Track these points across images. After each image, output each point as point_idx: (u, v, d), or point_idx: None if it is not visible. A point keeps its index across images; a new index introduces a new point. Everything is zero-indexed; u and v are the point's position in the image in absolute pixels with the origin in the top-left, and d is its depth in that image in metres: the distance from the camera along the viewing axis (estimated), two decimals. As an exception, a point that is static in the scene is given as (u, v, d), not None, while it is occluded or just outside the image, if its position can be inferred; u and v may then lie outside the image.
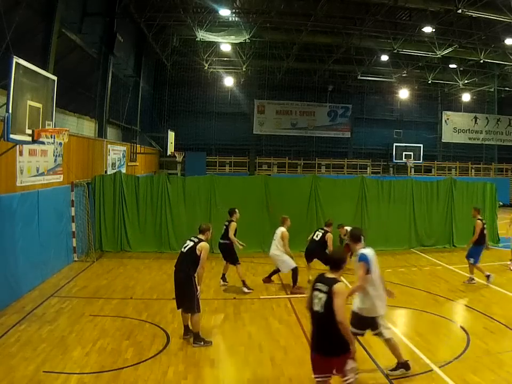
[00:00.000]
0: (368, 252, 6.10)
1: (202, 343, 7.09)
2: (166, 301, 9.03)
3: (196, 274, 7.10)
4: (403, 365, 6.18)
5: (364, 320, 6.06)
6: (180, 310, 7.38)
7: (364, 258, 5.98)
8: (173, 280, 7.39)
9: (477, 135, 34.30)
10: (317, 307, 4.75)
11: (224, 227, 10.51)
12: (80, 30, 14.98)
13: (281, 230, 10.33)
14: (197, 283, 7.09)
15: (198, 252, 7.12)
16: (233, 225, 10.30)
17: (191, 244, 7.27)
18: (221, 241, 10.54)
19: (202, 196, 14.35)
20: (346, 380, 4.78)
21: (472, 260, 10.94)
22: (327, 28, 20.69)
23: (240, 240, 10.37)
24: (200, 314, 7.27)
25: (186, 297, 7.08)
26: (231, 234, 10.21)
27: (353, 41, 21.49)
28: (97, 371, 6.13)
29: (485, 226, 11.18)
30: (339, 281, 4.83)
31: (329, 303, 4.68)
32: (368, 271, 5.98)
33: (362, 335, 6.25)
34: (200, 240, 7.30)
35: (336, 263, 4.97)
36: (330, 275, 4.89)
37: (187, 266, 7.13)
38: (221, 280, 10.71)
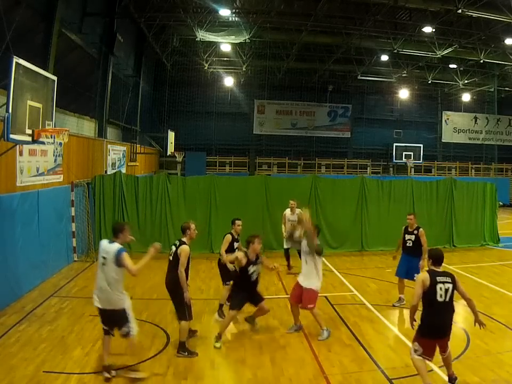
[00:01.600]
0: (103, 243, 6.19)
1: (186, 353, 6.72)
2: (166, 301, 8.98)
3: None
4: (107, 368, 6.04)
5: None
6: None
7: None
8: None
9: (477, 135, 34.33)
10: (442, 298, 5.56)
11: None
12: (80, 30, 14.99)
13: (299, 211, 11.20)
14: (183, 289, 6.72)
15: (179, 256, 6.84)
16: (227, 238, 8.62)
17: (174, 249, 6.97)
18: None
19: (202, 196, 14.34)
20: (448, 352, 5.78)
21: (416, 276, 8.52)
22: (327, 28, 20.67)
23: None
24: (189, 323, 6.97)
25: (176, 305, 6.87)
26: (221, 249, 8.54)
27: (353, 41, 21.47)
28: (97, 371, 6.12)
29: None
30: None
31: (453, 291, 5.60)
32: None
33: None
34: (181, 243, 6.98)
35: (442, 259, 5.79)
36: (439, 269, 5.72)
37: (176, 274, 6.82)
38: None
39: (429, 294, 5.57)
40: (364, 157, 33.47)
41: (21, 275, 9.25)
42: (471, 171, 34.20)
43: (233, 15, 19.40)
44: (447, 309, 5.62)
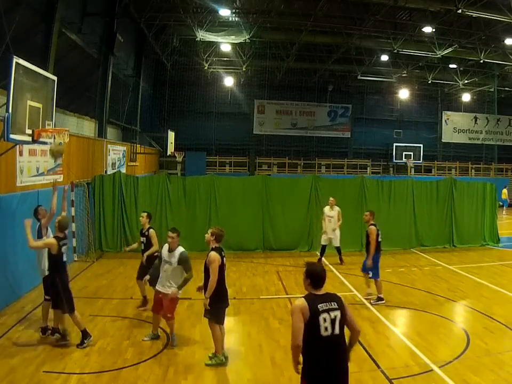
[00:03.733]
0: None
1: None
2: (166, 301, 9.00)
3: None
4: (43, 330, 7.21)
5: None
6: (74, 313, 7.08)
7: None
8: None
9: (477, 135, 34.34)
10: (328, 331, 4.16)
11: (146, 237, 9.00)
12: (80, 30, 14.99)
13: (337, 209, 12.78)
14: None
15: None
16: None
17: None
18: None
19: (202, 196, 14.33)
20: None
21: (370, 274, 9.44)
22: (327, 28, 20.69)
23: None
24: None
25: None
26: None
27: (353, 41, 21.48)
28: (97, 371, 6.13)
29: (380, 232, 9.75)
30: None
31: (342, 320, 4.28)
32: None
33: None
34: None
35: (323, 279, 4.20)
36: (319, 291, 4.24)
37: None
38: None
39: (309, 327, 4.03)
40: (363, 157, 33.48)
41: (21, 275, 9.24)
42: (471, 171, 34.20)
43: (233, 15, 19.42)
44: (337, 344, 4.18)
